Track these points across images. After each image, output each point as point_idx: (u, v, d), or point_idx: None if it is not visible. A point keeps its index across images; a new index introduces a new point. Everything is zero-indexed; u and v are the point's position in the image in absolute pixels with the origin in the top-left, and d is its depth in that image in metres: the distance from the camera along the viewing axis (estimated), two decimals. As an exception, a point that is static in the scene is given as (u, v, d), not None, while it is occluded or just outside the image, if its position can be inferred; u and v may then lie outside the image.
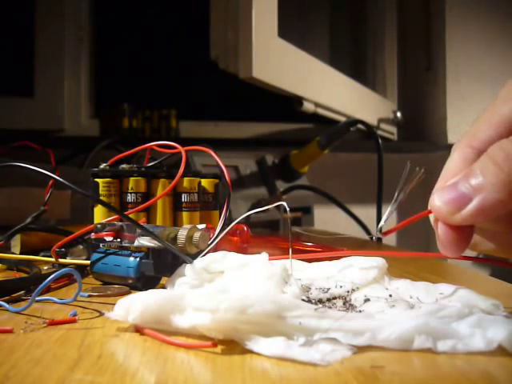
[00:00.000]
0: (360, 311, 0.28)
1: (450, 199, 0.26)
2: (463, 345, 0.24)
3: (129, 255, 0.37)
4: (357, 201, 1.22)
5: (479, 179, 0.25)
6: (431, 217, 0.28)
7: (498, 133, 0.28)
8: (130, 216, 0.38)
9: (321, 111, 1.20)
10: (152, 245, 0.35)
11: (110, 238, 0.37)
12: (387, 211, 0.29)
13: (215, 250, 0.37)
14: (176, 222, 0.46)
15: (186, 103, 1.43)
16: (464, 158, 0.28)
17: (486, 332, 0.24)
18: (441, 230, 0.27)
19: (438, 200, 0.26)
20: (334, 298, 0.31)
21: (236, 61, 0.89)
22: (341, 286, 0.32)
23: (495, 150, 0.25)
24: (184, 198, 0.46)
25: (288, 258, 0.34)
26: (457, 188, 0.26)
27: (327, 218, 1.23)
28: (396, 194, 0.29)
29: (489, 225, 0.29)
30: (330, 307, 0.29)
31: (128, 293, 0.36)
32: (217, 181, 0.49)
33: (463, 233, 0.27)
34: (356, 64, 1.60)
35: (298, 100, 1.11)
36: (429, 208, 0.28)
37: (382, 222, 0.29)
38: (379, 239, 0.31)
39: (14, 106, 1.26)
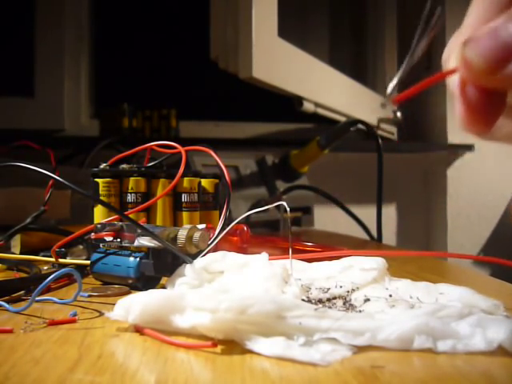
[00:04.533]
0: (360, 311, 0.28)
1: (489, 51, 0.19)
2: (463, 345, 0.24)
3: (129, 255, 0.37)
4: (357, 201, 1.22)
5: None
6: (453, 79, 0.21)
7: None
8: (130, 216, 0.38)
9: (321, 111, 1.20)
10: (152, 245, 0.35)
11: (110, 238, 0.37)
12: (403, 65, 0.23)
13: (215, 250, 0.37)
14: (176, 222, 0.46)
15: (186, 103, 1.43)
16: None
17: (486, 332, 0.24)
18: (469, 95, 0.20)
19: (472, 51, 0.19)
20: (334, 298, 0.31)
21: (236, 61, 0.89)
22: (341, 286, 0.32)
23: None
24: (184, 198, 0.46)
25: (288, 258, 0.34)
26: (498, 36, 0.19)
27: (327, 218, 1.23)
28: (414, 43, 0.23)
29: None
30: (330, 307, 0.29)
31: (128, 293, 0.36)
32: (217, 181, 0.49)
33: (496, 101, 0.20)
34: (356, 64, 1.60)
35: (298, 100, 1.11)
36: (452, 65, 0.21)
37: (393, 83, 0.23)
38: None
39: (14, 105, 1.26)
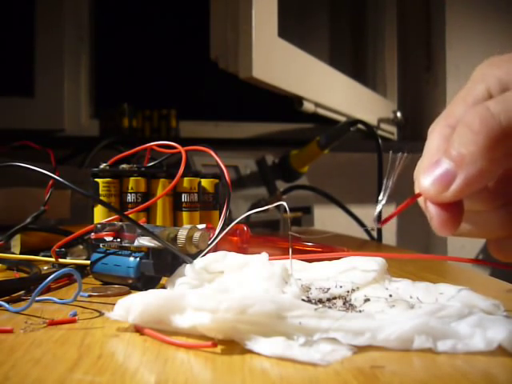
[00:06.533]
0: (360, 311, 0.28)
1: (435, 179, 0.25)
2: (463, 345, 0.24)
3: (129, 255, 0.37)
4: (357, 201, 1.22)
5: (459, 150, 0.25)
6: (420, 200, 0.28)
7: None
8: (130, 216, 0.38)
9: (321, 111, 1.20)
10: (152, 245, 0.35)
11: (110, 238, 0.37)
12: (379, 201, 0.29)
13: (215, 250, 0.37)
14: (176, 222, 0.46)
15: (186, 103, 1.43)
16: (443, 137, 0.27)
17: (486, 332, 0.24)
18: (432, 211, 0.26)
19: (425, 181, 0.26)
20: (334, 298, 0.31)
21: (236, 61, 0.89)
22: (341, 286, 0.33)
23: (470, 116, 0.25)
24: (184, 198, 0.46)
25: (288, 258, 0.34)
26: (440, 165, 0.25)
27: (327, 218, 1.23)
28: (384, 183, 0.29)
29: (470, 204, 0.28)
30: (330, 307, 0.29)
31: (128, 293, 0.36)
32: (217, 181, 0.49)
33: (455, 209, 0.26)
34: (356, 64, 1.60)
35: (298, 100, 1.11)
36: (416, 191, 0.27)
37: (376, 212, 0.29)
38: (379, 230, 0.31)
39: (14, 105, 1.26)
